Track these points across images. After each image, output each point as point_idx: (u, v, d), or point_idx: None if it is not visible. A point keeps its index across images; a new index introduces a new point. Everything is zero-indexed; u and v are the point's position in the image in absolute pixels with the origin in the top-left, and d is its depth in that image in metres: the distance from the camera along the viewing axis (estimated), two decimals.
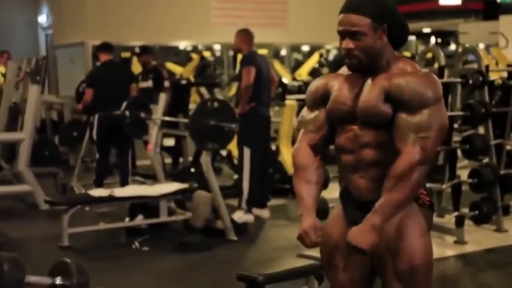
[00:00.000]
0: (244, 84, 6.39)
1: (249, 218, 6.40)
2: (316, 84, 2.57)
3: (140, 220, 5.95)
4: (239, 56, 7.31)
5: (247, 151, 6.42)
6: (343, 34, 2.41)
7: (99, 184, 7.00)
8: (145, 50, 8.86)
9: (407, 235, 2.40)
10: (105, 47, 7.40)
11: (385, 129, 2.39)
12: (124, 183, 7.07)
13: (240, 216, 6.27)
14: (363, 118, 2.41)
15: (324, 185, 6.02)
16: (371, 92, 2.40)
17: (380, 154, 2.41)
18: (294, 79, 10.51)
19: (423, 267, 2.40)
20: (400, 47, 2.50)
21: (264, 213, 6.68)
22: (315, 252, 3.50)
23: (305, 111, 2.60)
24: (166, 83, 8.49)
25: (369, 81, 2.42)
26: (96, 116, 7.16)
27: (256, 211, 6.58)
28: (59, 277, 2.73)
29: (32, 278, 2.68)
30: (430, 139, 2.33)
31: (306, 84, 9.52)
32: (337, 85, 2.49)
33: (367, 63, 2.40)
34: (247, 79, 6.35)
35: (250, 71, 6.37)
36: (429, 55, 8.17)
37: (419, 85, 2.34)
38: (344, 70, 2.55)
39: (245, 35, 6.62)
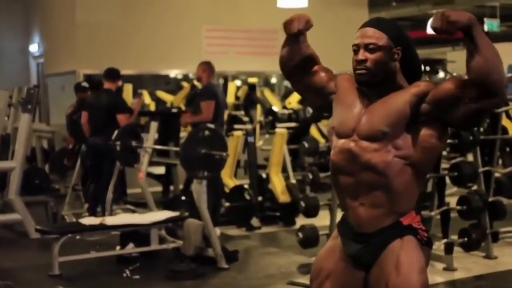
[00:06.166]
0: (205, 119, 6.76)
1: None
2: (341, 77, 2.59)
3: (131, 248, 5.95)
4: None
5: None
6: (358, 48, 2.42)
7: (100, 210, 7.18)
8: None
9: (405, 272, 2.36)
10: (105, 75, 7.46)
11: (387, 144, 2.36)
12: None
13: None
14: (366, 132, 2.39)
15: (314, 213, 6.00)
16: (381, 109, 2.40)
17: (383, 176, 2.36)
18: (284, 107, 10.54)
19: None
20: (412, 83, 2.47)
21: None
22: (306, 280, 3.52)
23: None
24: None
25: (380, 99, 2.42)
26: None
27: None
28: None
29: None
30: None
31: (296, 112, 9.57)
32: (347, 101, 2.49)
33: (376, 79, 2.40)
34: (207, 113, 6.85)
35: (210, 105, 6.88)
36: None
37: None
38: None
39: (207, 67, 7.09)
